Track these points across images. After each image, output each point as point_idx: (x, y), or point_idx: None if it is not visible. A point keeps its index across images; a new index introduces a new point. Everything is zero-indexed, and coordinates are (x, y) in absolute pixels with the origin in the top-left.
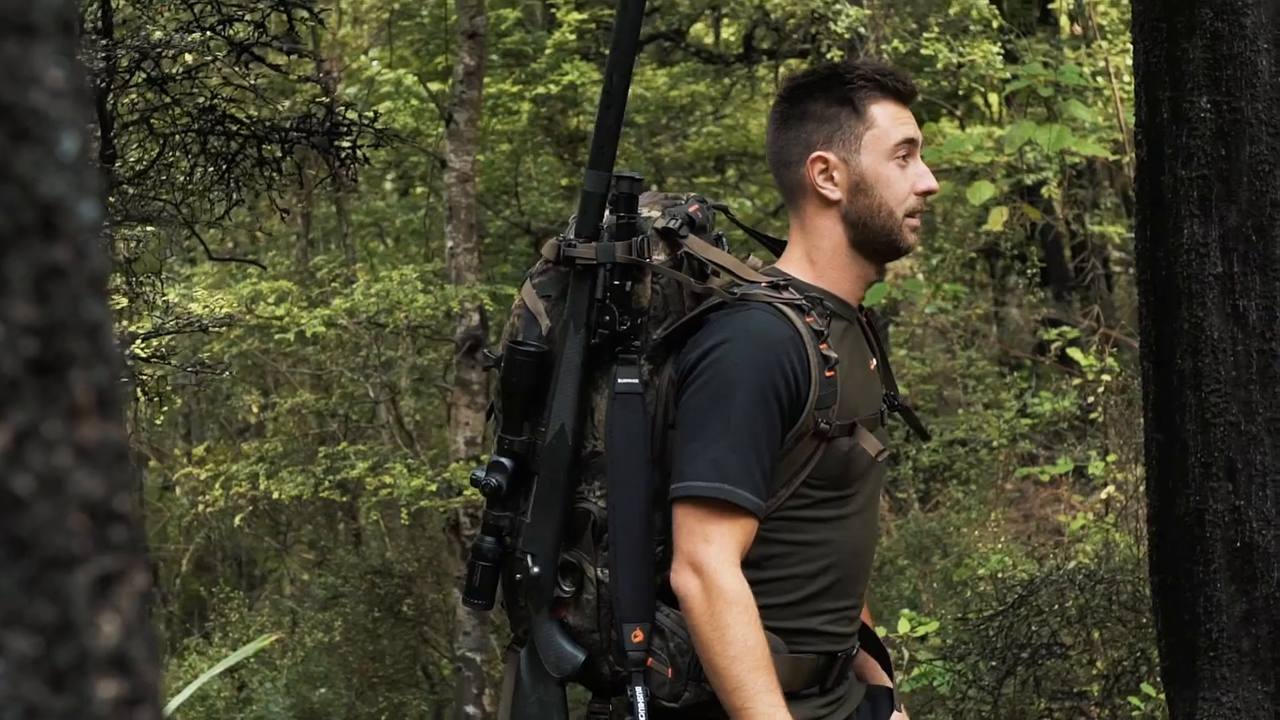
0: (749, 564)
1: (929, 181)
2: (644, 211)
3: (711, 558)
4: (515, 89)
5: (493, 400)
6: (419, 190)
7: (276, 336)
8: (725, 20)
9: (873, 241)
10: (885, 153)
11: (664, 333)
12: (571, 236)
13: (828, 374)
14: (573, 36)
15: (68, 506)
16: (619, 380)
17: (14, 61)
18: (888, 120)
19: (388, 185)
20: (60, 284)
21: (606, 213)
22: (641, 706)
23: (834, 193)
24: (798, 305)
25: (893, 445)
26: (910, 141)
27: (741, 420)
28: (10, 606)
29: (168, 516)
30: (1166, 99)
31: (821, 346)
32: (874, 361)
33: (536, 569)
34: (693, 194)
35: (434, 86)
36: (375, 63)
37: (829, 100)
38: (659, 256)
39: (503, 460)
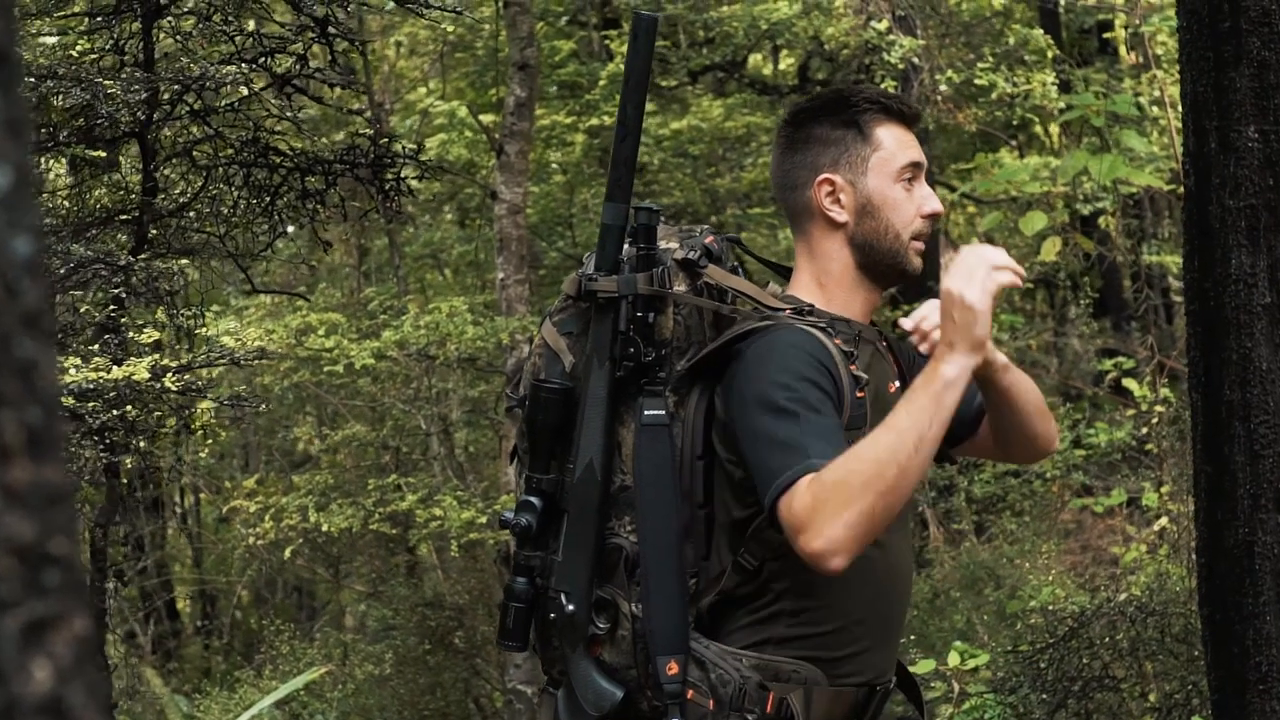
0: (790, 593)
1: (934, 204)
2: (661, 244)
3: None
4: (569, 120)
5: (515, 442)
6: (477, 222)
7: (326, 369)
8: (783, 51)
9: (879, 264)
10: (891, 175)
11: (688, 363)
12: (591, 270)
13: (858, 395)
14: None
15: None
16: (645, 412)
17: None
18: (893, 143)
19: (447, 217)
20: None
21: (626, 245)
22: None
23: (841, 215)
24: (822, 328)
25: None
26: (916, 165)
27: (798, 408)
28: None
29: (224, 548)
30: (1214, 128)
31: (851, 368)
32: (895, 384)
33: (571, 607)
34: (706, 226)
35: (488, 118)
36: (429, 95)
37: (834, 124)
38: (679, 287)
39: (531, 499)
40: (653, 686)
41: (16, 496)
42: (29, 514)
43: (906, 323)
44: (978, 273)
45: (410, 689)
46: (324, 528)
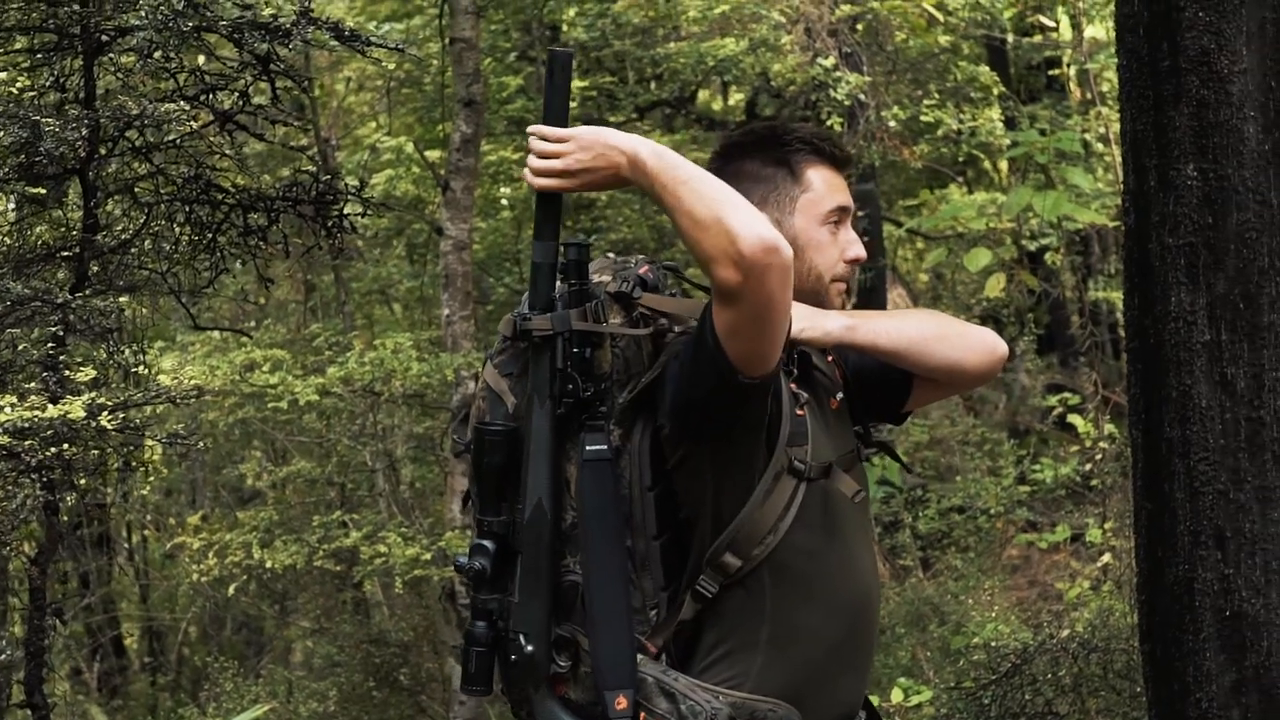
0: (765, 618)
1: (858, 250)
2: (594, 277)
3: None
4: (517, 156)
5: (467, 488)
6: (423, 257)
7: (271, 405)
8: (732, 87)
9: (801, 303)
10: (819, 217)
11: (630, 396)
12: (525, 310)
13: (798, 412)
14: (575, 104)
15: None
16: (587, 448)
17: None
18: (823, 185)
19: (396, 252)
20: None
21: (558, 282)
22: None
23: None
24: None
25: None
26: (843, 209)
27: None
28: None
29: (170, 585)
30: (1154, 166)
31: (790, 385)
32: (838, 398)
33: (530, 648)
34: (641, 256)
35: (435, 154)
36: (376, 131)
37: (765, 160)
38: (615, 319)
39: (484, 543)
40: None
41: None
42: None
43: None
44: None
45: None
46: (268, 564)
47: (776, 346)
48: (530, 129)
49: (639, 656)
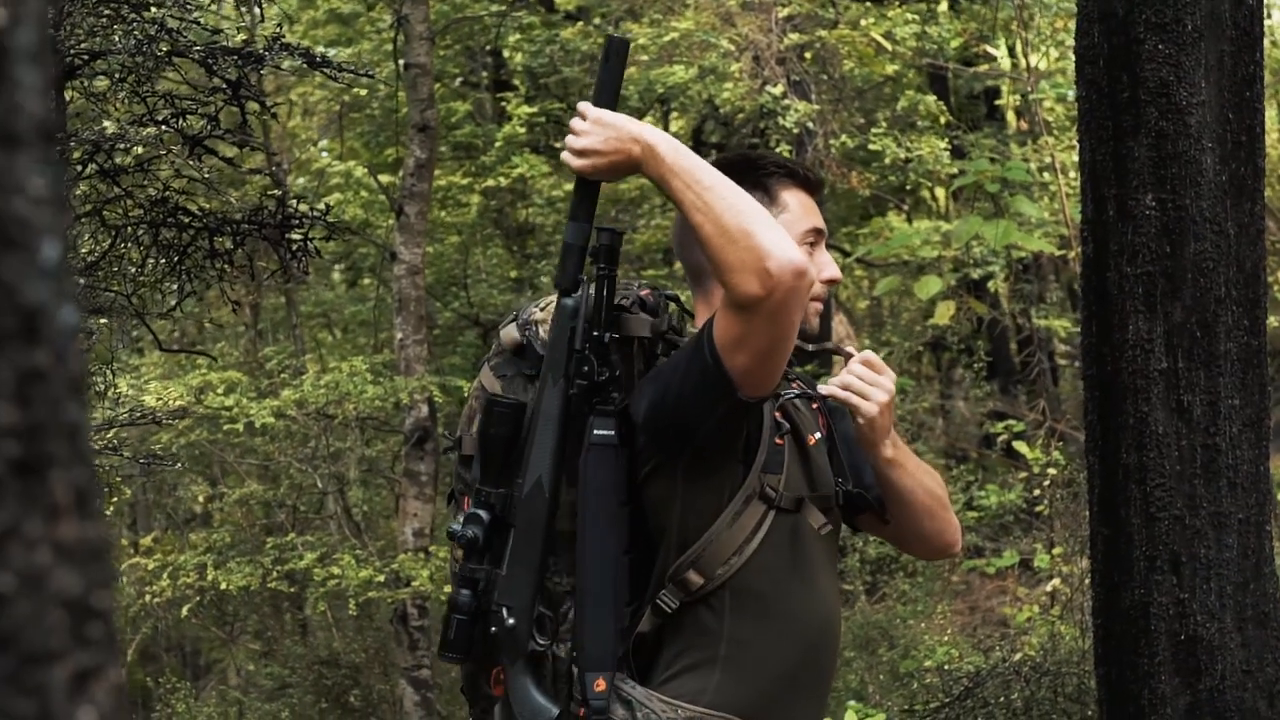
0: (723, 637)
1: (832, 271)
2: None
3: None
4: (465, 181)
5: (453, 486)
6: (367, 282)
7: (225, 427)
8: (674, 114)
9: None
10: (795, 239)
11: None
12: (525, 315)
13: (777, 441)
14: (523, 130)
15: (48, 604)
16: (595, 431)
17: None
18: (798, 207)
19: (336, 276)
20: (41, 387)
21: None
22: None
23: None
24: None
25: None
26: (818, 231)
27: None
28: None
29: (119, 605)
30: (1112, 196)
31: (775, 414)
32: (816, 435)
33: (512, 621)
34: (644, 281)
35: (384, 178)
36: (325, 154)
37: (742, 185)
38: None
39: (480, 513)
40: (583, 703)
41: (66, 552)
42: (75, 569)
43: (827, 390)
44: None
45: None
46: (222, 585)
47: (779, 369)
48: (578, 105)
49: None
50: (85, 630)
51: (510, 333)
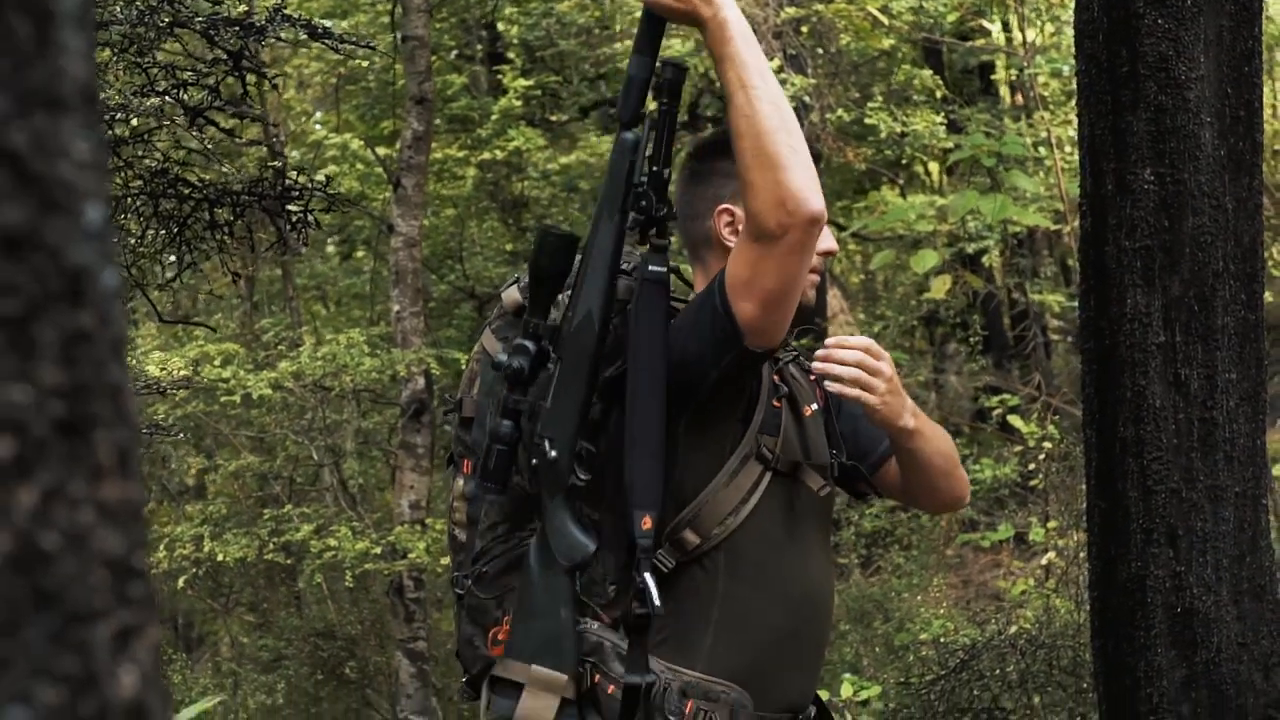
0: (717, 599)
1: (829, 243)
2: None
3: None
4: (461, 154)
5: (453, 450)
6: (360, 254)
7: (223, 399)
8: None
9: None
10: None
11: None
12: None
13: (774, 403)
14: (519, 103)
15: (91, 563)
16: (649, 267)
17: (44, 134)
18: None
19: (330, 249)
20: (86, 349)
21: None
22: (653, 590)
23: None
24: None
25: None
26: None
27: None
28: (38, 658)
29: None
30: (1111, 170)
31: (774, 375)
32: (812, 407)
33: (554, 453)
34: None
35: (381, 151)
36: (320, 126)
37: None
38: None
39: (527, 344)
40: (627, 544)
41: (109, 512)
42: (118, 529)
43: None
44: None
45: (301, 718)
46: (219, 557)
47: (785, 321)
48: None
49: (594, 624)
50: (127, 589)
51: (512, 294)
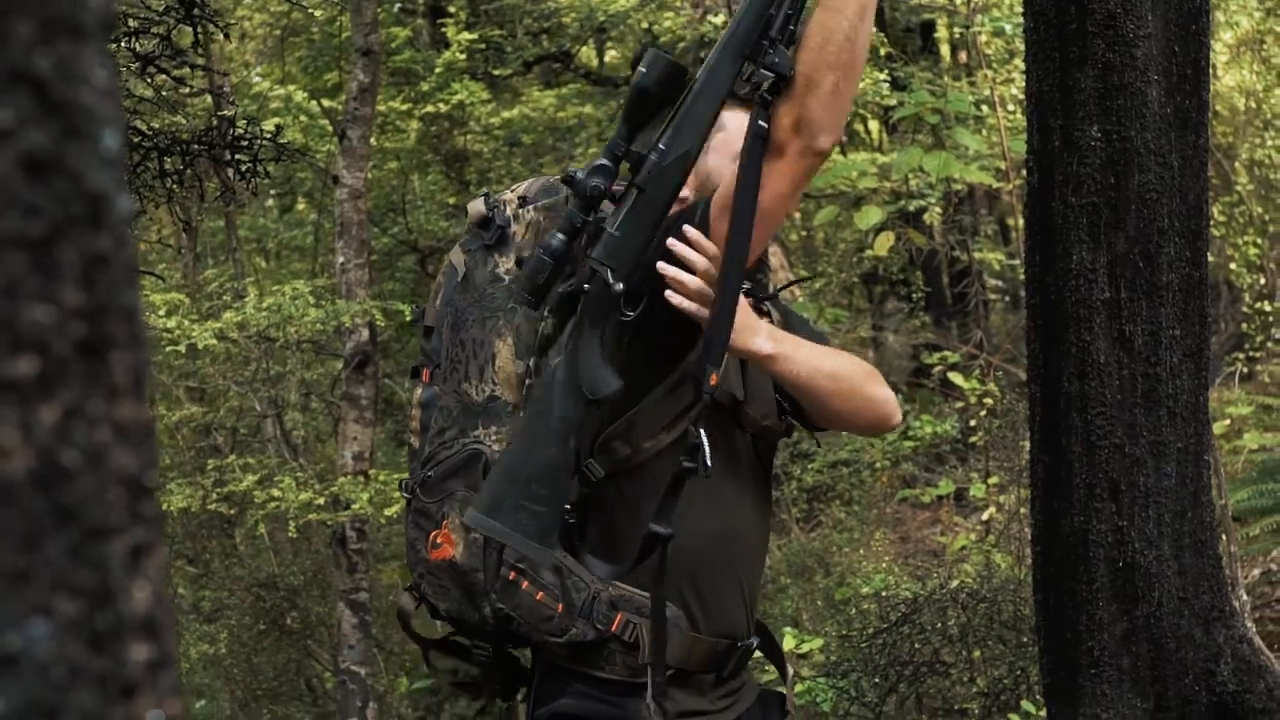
0: (641, 515)
1: None
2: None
3: None
4: (404, 107)
5: (419, 360)
6: (301, 206)
7: (167, 349)
8: (610, 44)
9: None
10: (732, 155)
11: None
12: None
13: None
14: (462, 56)
15: (108, 480)
16: (758, 123)
17: (67, 61)
18: (736, 126)
19: (269, 202)
20: (104, 271)
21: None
22: (706, 448)
23: (682, 191)
24: None
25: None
26: None
27: None
28: (57, 572)
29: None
30: (1058, 127)
31: None
32: None
33: (620, 285)
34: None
35: (325, 103)
36: (259, 78)
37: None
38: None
39: (608, 164)
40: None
41: (125, 431)
42: (132, 448)
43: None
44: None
45: (242, 669)
46: (163, 507)
47: (761, 243)
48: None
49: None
50: (140, 507)
51: (476, 205)
